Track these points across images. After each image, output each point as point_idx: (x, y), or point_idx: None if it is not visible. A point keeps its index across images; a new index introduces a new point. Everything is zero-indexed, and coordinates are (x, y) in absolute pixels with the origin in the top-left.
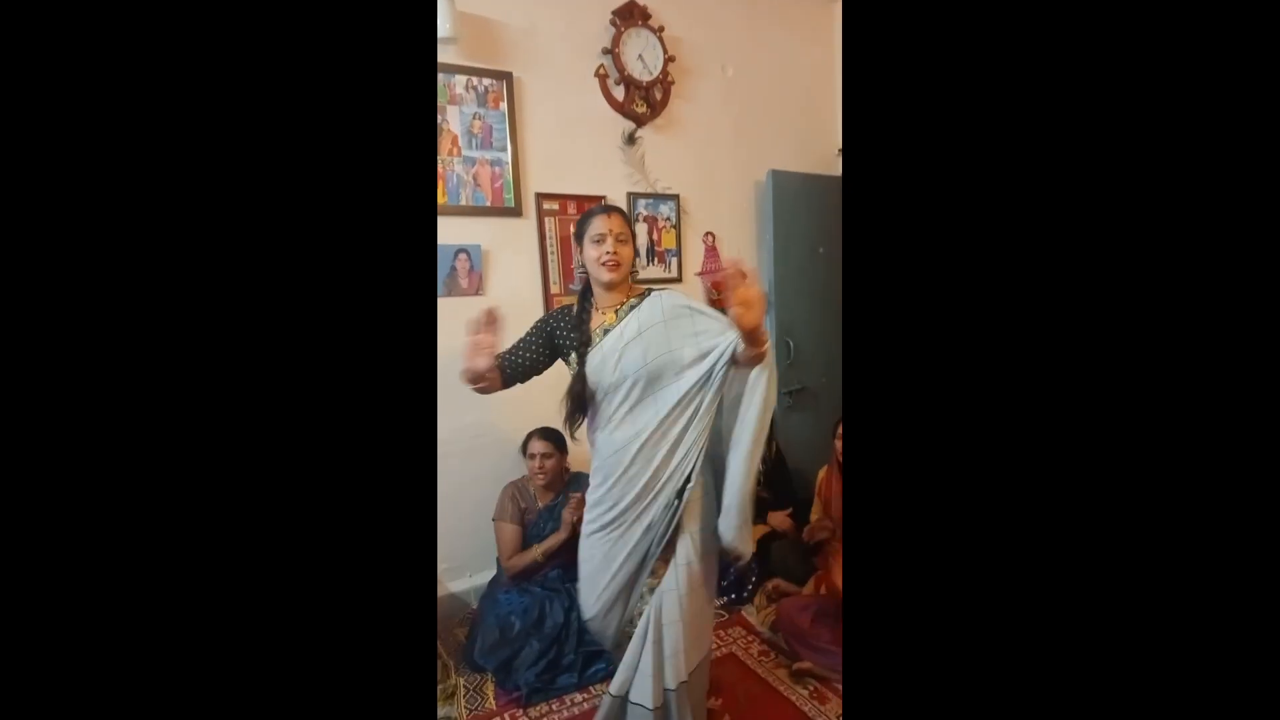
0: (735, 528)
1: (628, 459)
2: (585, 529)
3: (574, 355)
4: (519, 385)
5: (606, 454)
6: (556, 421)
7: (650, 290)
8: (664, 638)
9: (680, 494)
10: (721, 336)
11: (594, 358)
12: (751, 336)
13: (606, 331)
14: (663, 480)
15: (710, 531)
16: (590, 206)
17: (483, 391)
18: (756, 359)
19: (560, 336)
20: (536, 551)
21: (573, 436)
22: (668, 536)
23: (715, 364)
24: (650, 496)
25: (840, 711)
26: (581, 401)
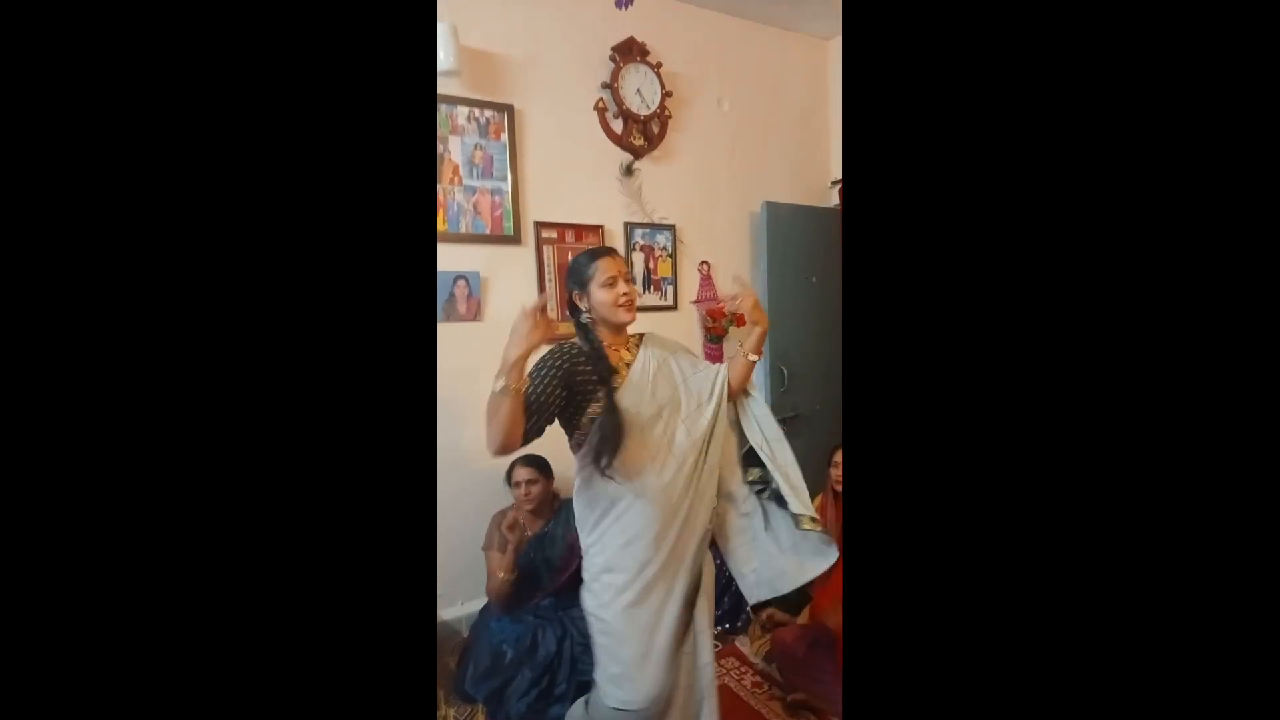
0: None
1: (676, 494)
2: (613, 592)
3: (601, 390)
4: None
5: (653, 491)
6: (546, 452)
7: (642, 335)
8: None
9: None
10: (712, 368)
11: (628, 390)
12: (758, 345)
13: (629, 365)
14: (703, 508)
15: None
16: (588, 242)
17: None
18: (742, 391)
19: (580, 373)
20: (497, 572)
21: (606, 474)
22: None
23: (723, 392)
24: (697, 529)
25: None
26: (619, 436)
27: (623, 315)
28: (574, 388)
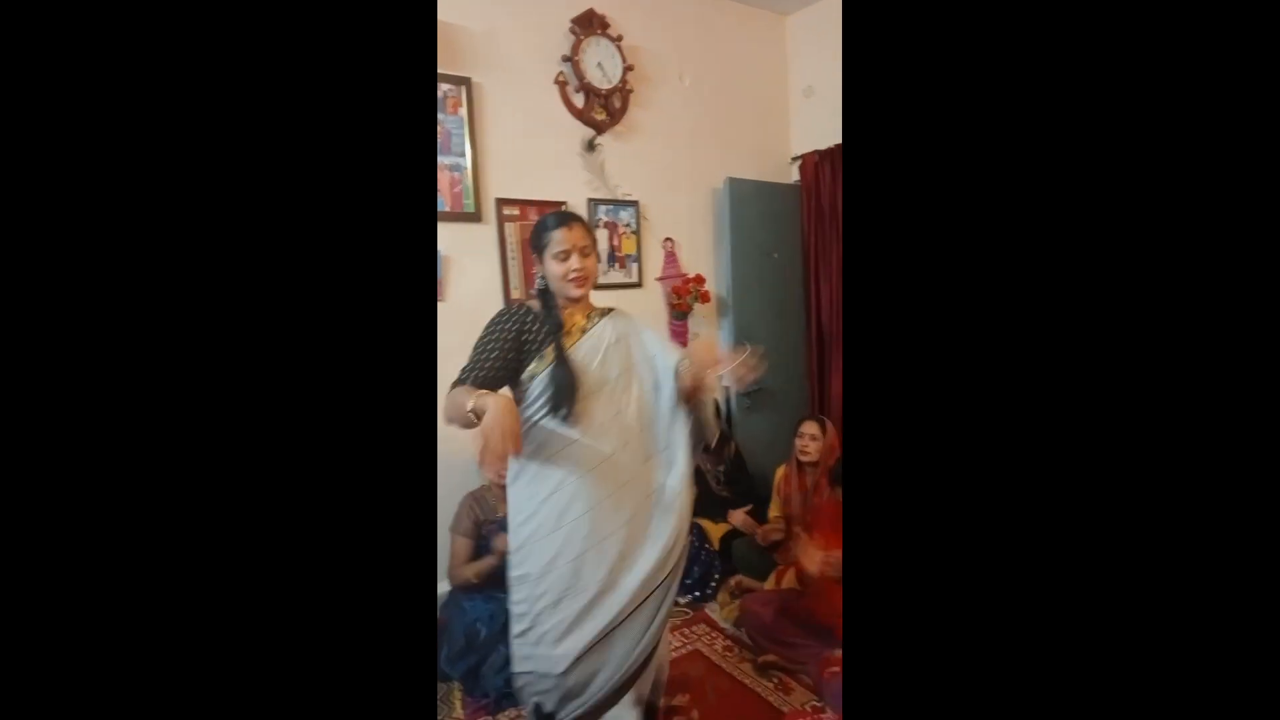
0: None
1: (619, 470)
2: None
3: (551, 346)
4: None
5: (595, 460)
6: None
7: (610, 309)
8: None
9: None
10: (673, 357)
11: (580, 347)
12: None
13: (584, 331)
14: (641, 490)
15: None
16: (546, 213)
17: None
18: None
19: (528, 332)
20: (469, 572)
21: (567, 421)
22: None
23: (674, 383)
24: (629, 507)
25: (803, 700)
26: (570, 390)
27: (571, 290)
28: (521, 348)
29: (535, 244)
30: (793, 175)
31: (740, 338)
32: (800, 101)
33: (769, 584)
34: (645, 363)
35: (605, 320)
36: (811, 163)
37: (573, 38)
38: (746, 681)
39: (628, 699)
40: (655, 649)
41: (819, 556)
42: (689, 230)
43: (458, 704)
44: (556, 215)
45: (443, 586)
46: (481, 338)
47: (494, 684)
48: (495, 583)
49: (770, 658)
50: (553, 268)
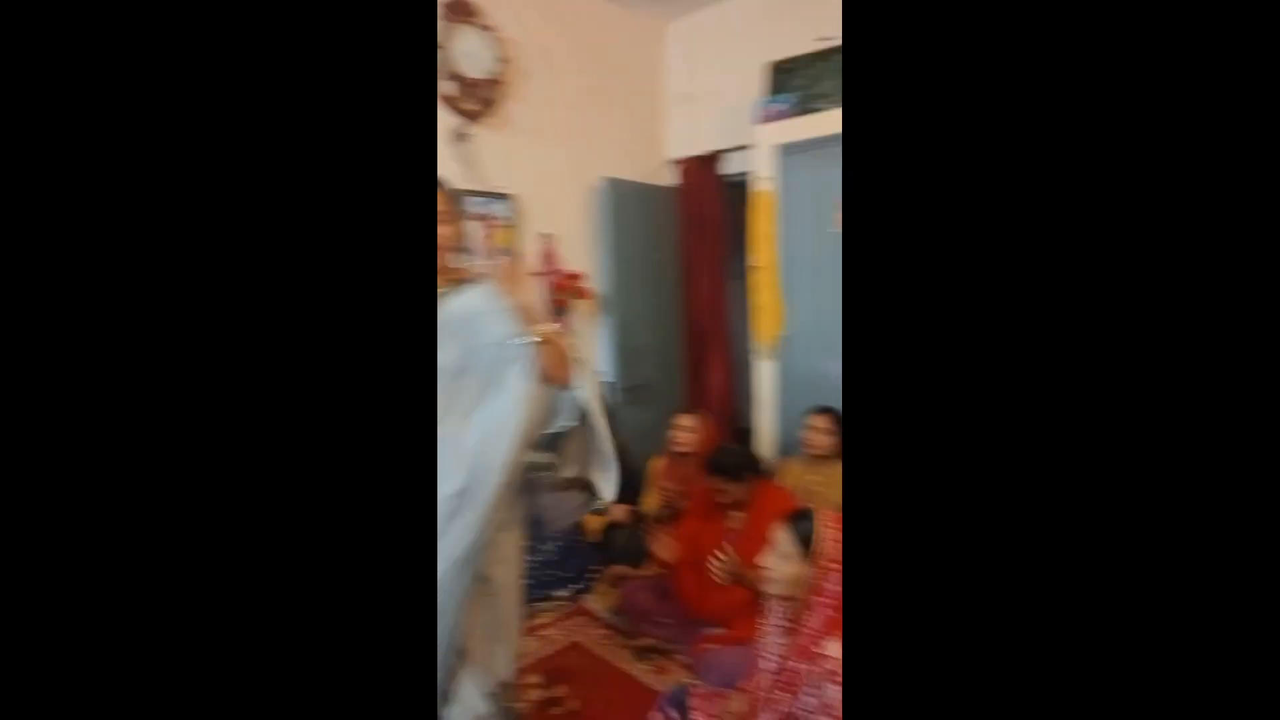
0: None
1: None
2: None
3: None
4: None
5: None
6: None
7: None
8: None
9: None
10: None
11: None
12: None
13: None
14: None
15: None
16: None
17: None
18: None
19: None
20: None
21: None
22: None
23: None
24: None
25: (678, 680)
26: None
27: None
28: None
29: None
30: (669, 178)
31: (620, 334)
32: (677, 107)
33: (646, 570)
34: (496, 345)
35: (467, 292)
36: (688, 167)
37: (443, 24)
38: (624, 667)
39: (472, 678)
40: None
41: (671, 545)
42: (568, 227)
43: None
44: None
45: None
46: None
47: None
48: None
49: (647, 640)
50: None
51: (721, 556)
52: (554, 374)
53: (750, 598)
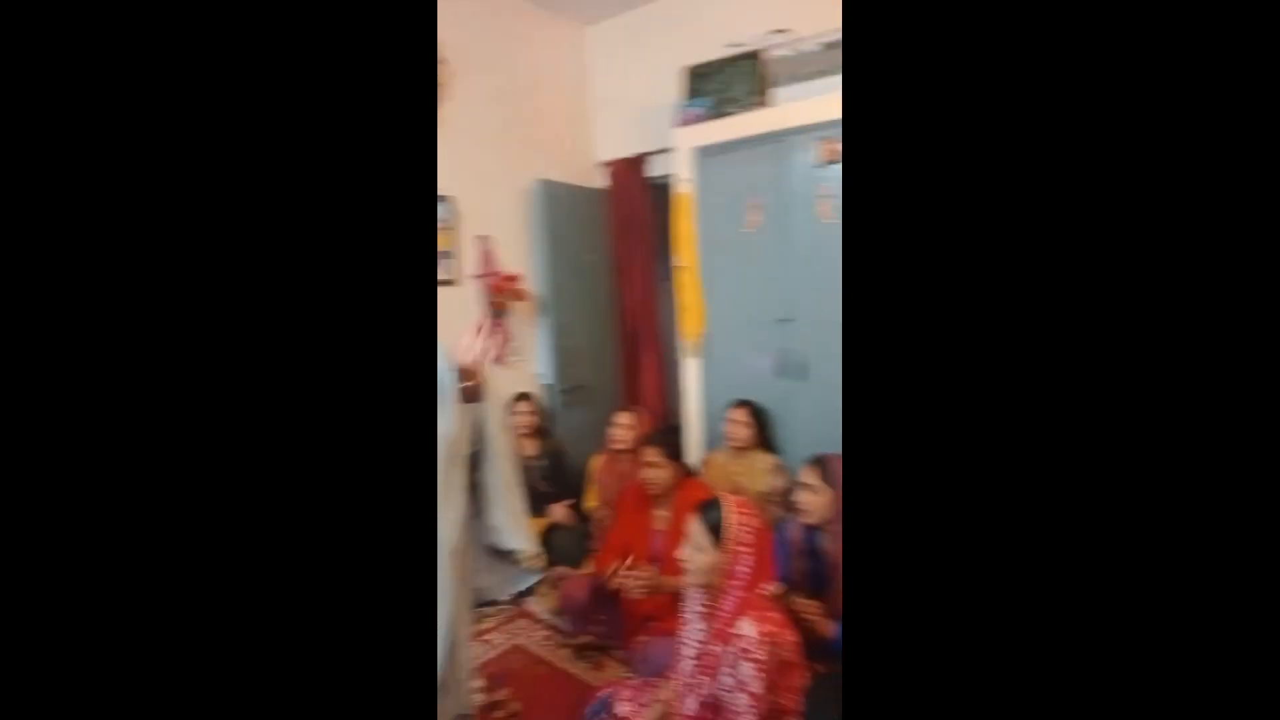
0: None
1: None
2: None
3: None
4: None
5: None
6: None
7: None
8: None
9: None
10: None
11: None
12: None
13: None
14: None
15: None
16: None
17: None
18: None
19: None
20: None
21: None
22: None
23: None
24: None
25: (615, 674)
26: None
27: None
28: None
29: None
30: (599, 180)
31: (558, 336)
32: (602, 110)
33: (585, 569)
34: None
35: None
36: (616, 169)
37: None
38: (565, 666)
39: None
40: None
41: (607, 542)
42: (504, 229)
43: None
44: None
45: None
46: None
47: None
48: None
49: (586, 638)
50: None
51: (637, 573)
52: (472, 394)
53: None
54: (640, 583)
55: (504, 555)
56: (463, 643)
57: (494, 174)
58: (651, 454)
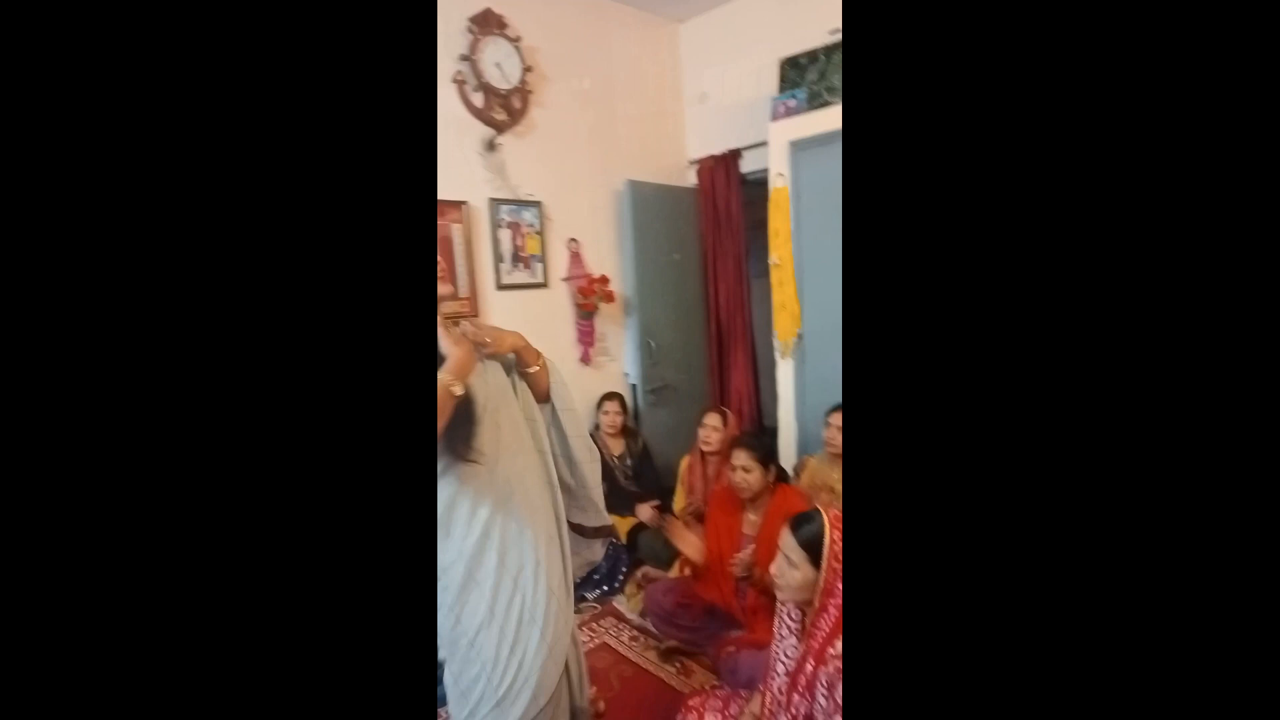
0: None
1: (530, 481)
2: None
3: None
4: None
5: (507, 478)
6: None
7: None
8: None
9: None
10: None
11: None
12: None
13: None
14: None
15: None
16: (451, 219)
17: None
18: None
19: None
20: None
21: (469, 459)
22: None
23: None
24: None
25: (703, 681)
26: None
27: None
28: None
29: None
30: (690, 178)
31: (645, 336)
32: (694, 107)
33: (673, 572)
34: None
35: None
36: (707, 167)
37: (470, 36)
38: (651, 669)
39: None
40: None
41: (694, 543)
42: (593, 231)
43: None
44: None
45: None
46: None
47: None
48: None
49: (672, 643)
50: None
51: (739, 558)
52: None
53: (767, 600)
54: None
55: (585, 531)
56: (574, 639)
57: (583, 176)
58: (741, 456)
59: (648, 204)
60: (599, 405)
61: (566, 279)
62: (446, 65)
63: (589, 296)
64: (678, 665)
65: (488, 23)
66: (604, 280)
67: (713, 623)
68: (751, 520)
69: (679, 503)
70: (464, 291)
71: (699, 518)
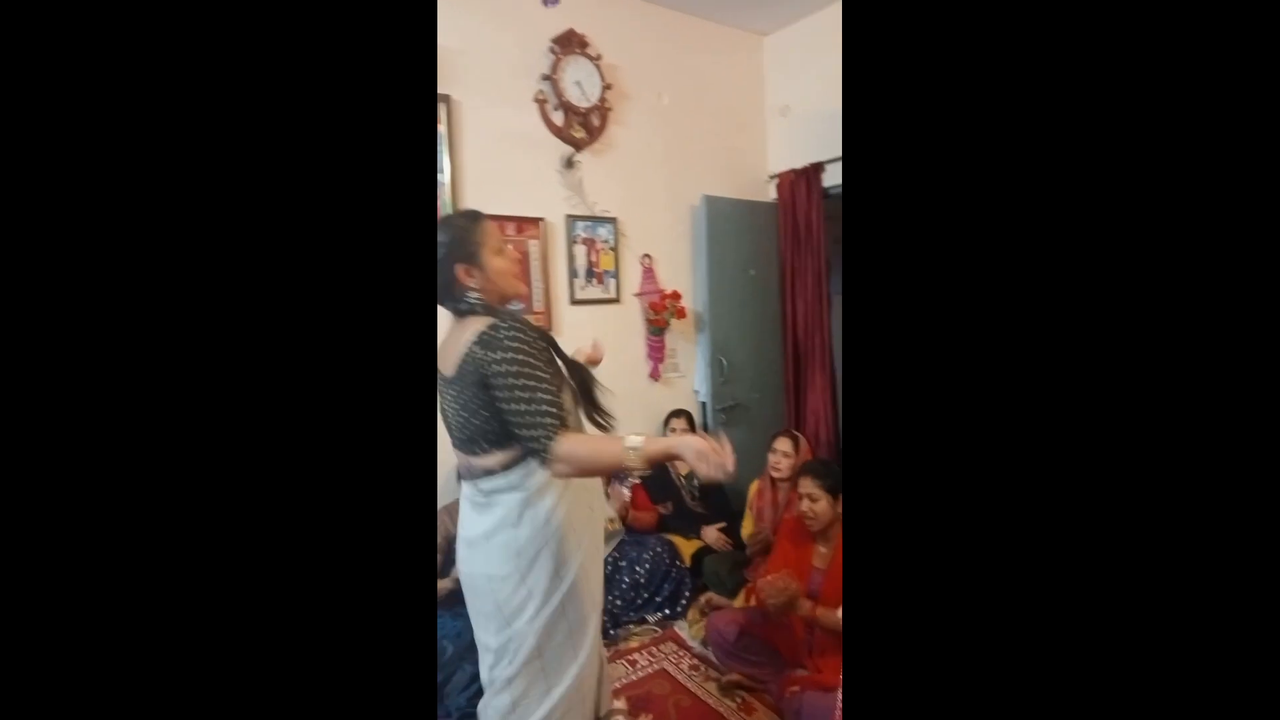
0: None
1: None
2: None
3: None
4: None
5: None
6: None
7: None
8: None
9: None
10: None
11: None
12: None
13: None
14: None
15: None
16: (529, 235)
17: None
18: None
19: (555, 351)
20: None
21: (607, 424)
22: None
23: None
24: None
25: None
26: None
27: (521, 286)
28: (557, 370)
29: (465, 250)
30: (769, 193)
31: (717, 353)
32: (776, 120)
33: (738, 602)
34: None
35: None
36: (787, 181)
37: (552, 56)
38: (710, 701)
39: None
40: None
41: (769, 586)
42: (666, 246)
43: None
44: (466, 213)
45: None
46: (525, 369)
47: (457, 703)
48: (458, 600)
49: (734, 677)
50: (499, 264)
51: (777, 583)
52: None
53: (835, 640)
54: (778, 596)
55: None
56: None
57: (659, 192)
58: (808, 485)
59: (724, 219)
60: (666, 422)
61: (638, 294)
62: (528, 85)
63: (660, 312)
64: (739, 700)
65: (570, 43)
66: (676, 296)
67: (778, 659)
68: (822, 553)
69: (746, 529)
70: (539, 306)
71: (766, 548)
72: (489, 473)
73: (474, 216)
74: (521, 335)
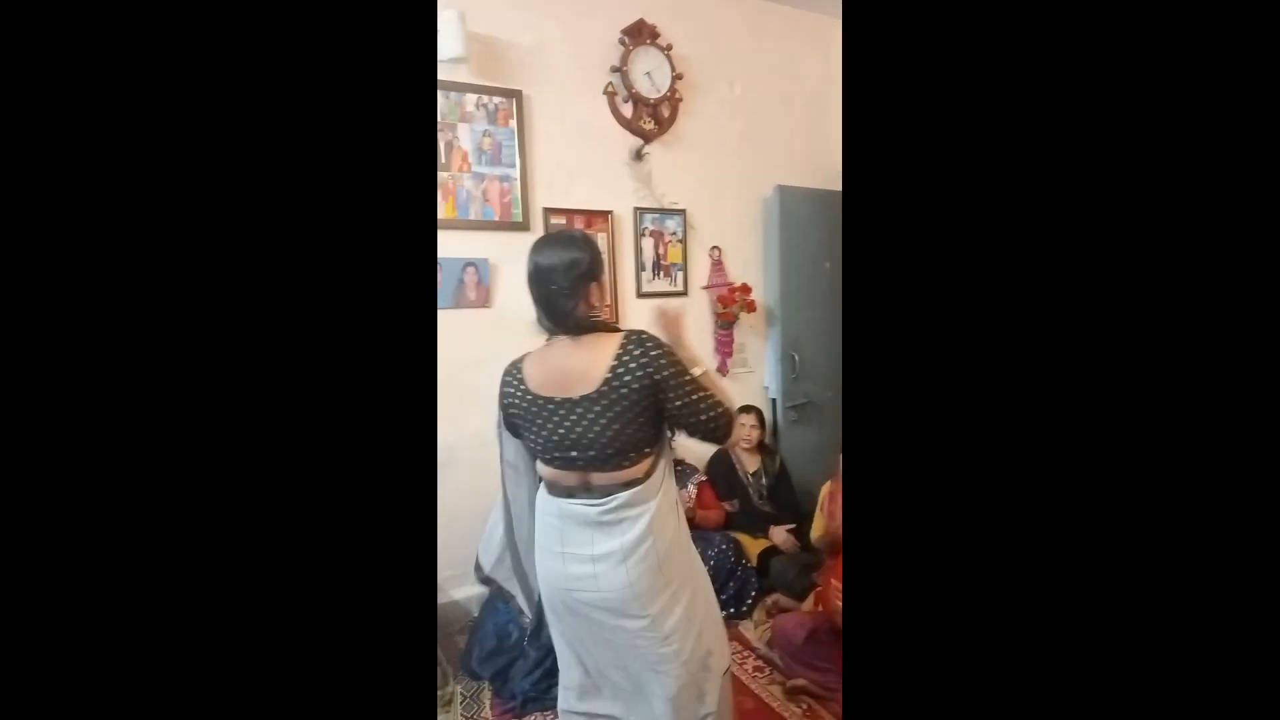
0: None
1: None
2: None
3: (687, 375)
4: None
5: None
6: None
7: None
8: None
9: None
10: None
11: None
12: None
13: None
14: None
15: None
16: (598, 228)
17: None
18: None
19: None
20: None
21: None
22: None
23: None
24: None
25: None
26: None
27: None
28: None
29: (593, 272)
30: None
31: (788, 349)
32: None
33: (806, 605)
34: None
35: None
36: None
37: (622, 48)
38: (774, 705)
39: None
40: None
41: (838, 590)
42: (736, 239)
43: (486, 704)
44: (583, 235)
45: (473, 589)
46: (680, 363)
47: (521, 687)
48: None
49: (799, 682)
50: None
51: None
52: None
53: None
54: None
55: None
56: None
57: (730, 183)
58: None
59: (798, 210)
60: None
61: (706, 287)
62: (598, 78)
63: (729, 306)
64: (804, 707)
65: (640, 33)
66: (745, 289)
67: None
68: None
69: (816, 530)
70: (605, 300)
71: (837, 550)
72: (629, 484)
73: (586, 236)
74: (656, 336)
